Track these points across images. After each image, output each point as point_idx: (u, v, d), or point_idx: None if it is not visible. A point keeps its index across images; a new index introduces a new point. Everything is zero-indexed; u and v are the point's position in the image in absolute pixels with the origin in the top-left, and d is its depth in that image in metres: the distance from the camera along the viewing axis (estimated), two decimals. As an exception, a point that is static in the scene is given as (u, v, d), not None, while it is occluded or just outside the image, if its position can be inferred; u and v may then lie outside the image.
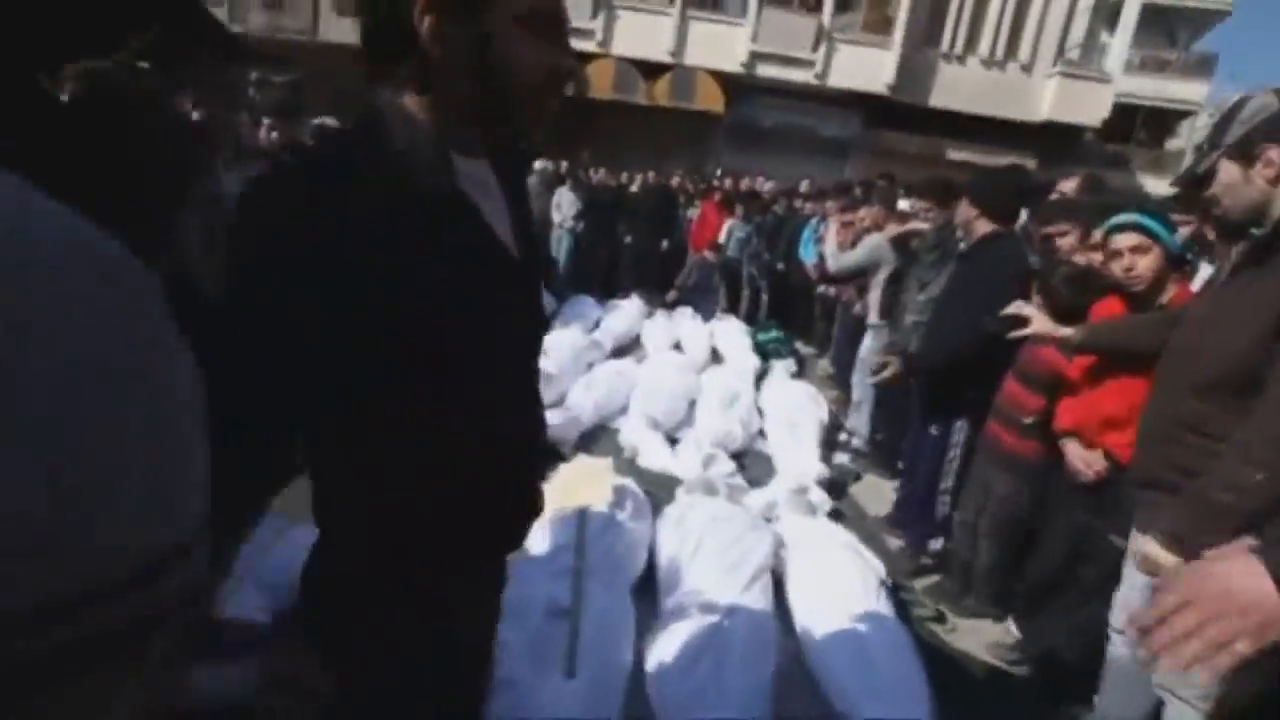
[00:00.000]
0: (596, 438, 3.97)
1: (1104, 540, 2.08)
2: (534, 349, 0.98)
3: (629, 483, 2.84)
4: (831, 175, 11.03)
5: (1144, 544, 1.44)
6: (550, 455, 3.54)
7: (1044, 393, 2.27)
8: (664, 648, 1.97)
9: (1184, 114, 19.77)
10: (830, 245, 4.23)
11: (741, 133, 15.47)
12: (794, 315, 6.91)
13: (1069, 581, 2.24)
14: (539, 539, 2.32)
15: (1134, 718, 1.74)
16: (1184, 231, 2.48)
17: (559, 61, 0.80)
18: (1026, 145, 14.80)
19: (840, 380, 5.23)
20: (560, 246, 7.95)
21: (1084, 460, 2.12)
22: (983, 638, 2.46)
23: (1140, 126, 19.85)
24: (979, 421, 2.56)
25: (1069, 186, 2.92)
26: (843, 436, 4.37)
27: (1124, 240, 1.91)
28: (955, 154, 15.00)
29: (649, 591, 2.36)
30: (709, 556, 2.29)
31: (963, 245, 3.23)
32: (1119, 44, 16.17)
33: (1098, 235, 2.26)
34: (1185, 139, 20.65)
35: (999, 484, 2.40)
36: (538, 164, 8.13)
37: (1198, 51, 20.44)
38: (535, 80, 0.78)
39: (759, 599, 2.19)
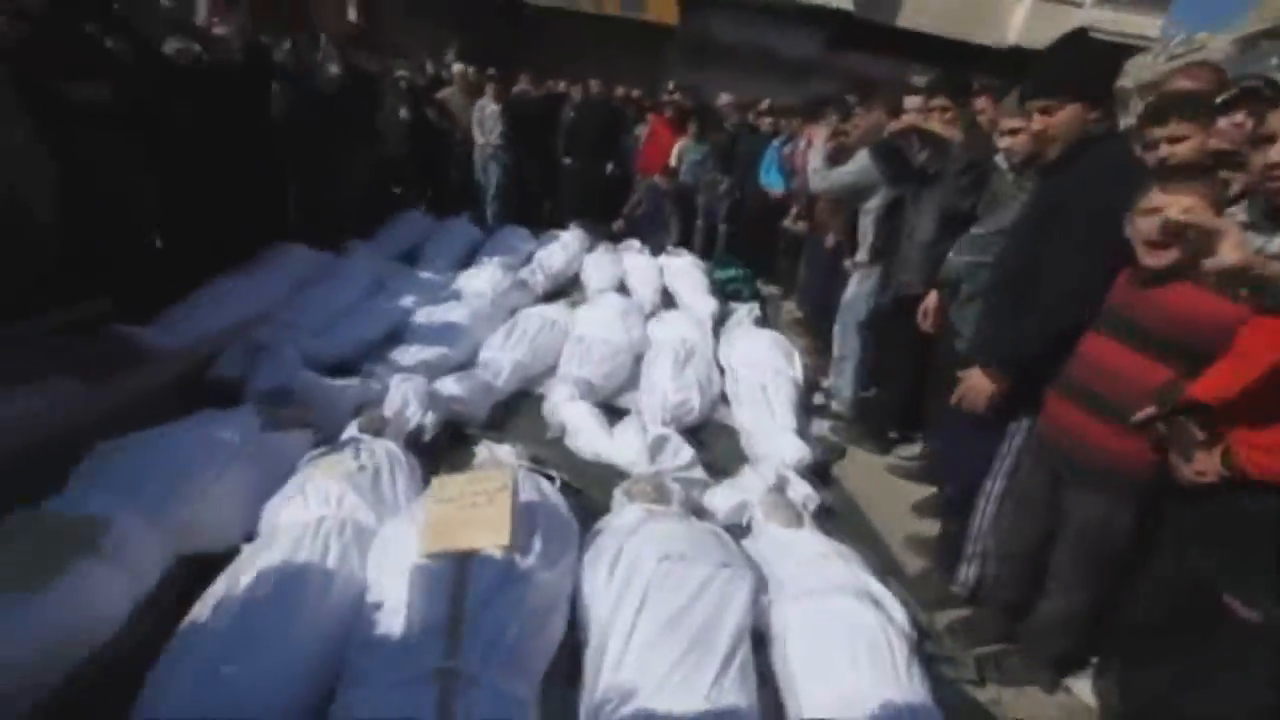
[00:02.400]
0: (518, 408, 3.10)
1: (1216, 598, 1.39)
2: None
3: (545, 489, 2.00)
4: (793, 99, 10.05)
5: None
6: (449, 440, 2.67)
7: (1180, 362, 1.50)
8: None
9: (1134, 49, 19.19)
10: (816, 158, 3.34)
11: (695, 50, 14.15)
12: (753, 250, 6.07)
13: (1167, 646, 1.55)
14: (390, 618, 1.47)
15: None
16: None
17: None
18: (993, 71, 14.02)
19: (813, 326, 4.48)
20: (486, 169, 6.77)
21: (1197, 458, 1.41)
22: (1039, 710, 1.78)
23: (1095, 61, 19.22)
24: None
25: (1188, 82, 2.10)
26: (819, 399, 3.63)
27: None
28: (921, 79, 14.13)
29: (565, 673, 1.56)
30: (658, 626, 1.49)
31: (1001, 159, 2.42)
32: (1093, -33, 15.30)
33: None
34: (1133, 77, 20.17)
35: (1082, 505, 1.66)
36: (455, 67, 6.85)
37: (1156, -16, 19.75)
38: None
39: (737, 697, 1.41)
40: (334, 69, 4.89)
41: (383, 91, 5.61)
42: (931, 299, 2.65)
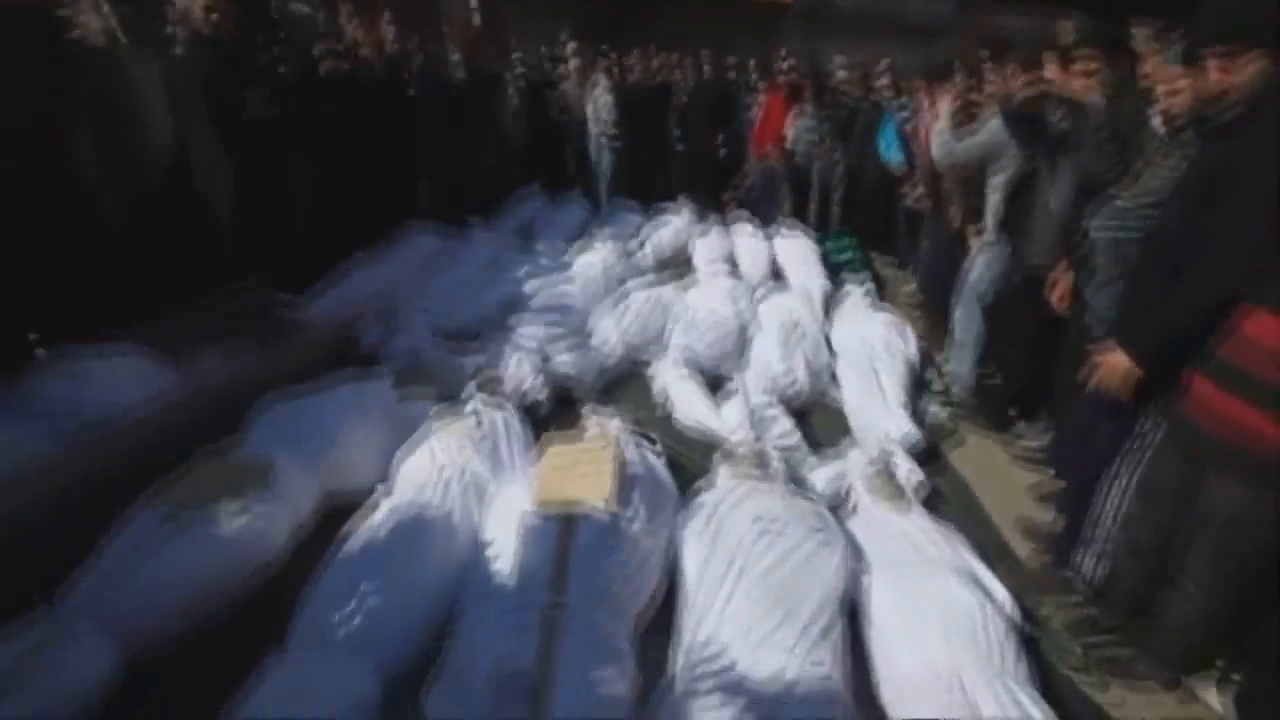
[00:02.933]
0: (624, 381, 3.21)
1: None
2: None
3: (648, 456, 2.09)
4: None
5: None
6: (558, 407, 2.82)
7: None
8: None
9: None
10: (942, 125, 3.15)
11: (813, 20, 13.54)
12: (869, 225, 5.82)
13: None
14: (503, 560, 1.62)
15: None
16: None
17: None
18: (1162, 17, 12.38)
19: (931, 306, 4.25)
20: (600, 156, 6.90)
21: None
22: (1158, 711, 1.65)
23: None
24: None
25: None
26: (935, 383, 3.46)
27: None
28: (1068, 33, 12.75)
29: (660, 635, 1.64)
30: (748, 585, 1.53)
31: (1156, 122, 2.18)
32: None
33: None
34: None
35: (1226, 497, 1.50)
36: (573, 62, 7.03)
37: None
38: None
39: (827, 664, 1.43)
40: (460, 71, 5.22)
41: (503, 87, 5.92)
42: (1060, 268, 2.45)
